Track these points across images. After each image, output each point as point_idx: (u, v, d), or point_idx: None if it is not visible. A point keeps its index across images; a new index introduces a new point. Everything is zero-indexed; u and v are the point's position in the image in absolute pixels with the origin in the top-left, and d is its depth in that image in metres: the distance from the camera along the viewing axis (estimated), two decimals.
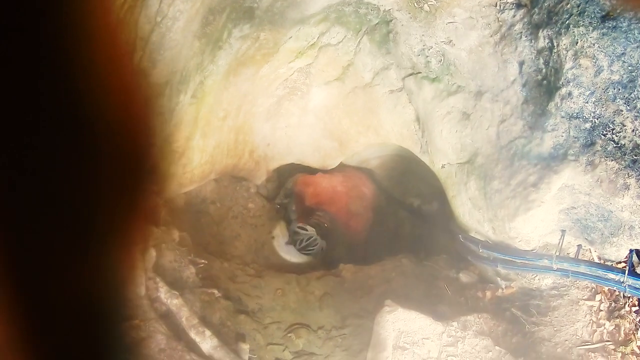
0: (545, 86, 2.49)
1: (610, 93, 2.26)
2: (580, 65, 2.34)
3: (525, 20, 2.54)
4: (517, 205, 2.45)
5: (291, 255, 3.68)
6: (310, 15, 3.00)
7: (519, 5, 2.59)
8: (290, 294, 2.96)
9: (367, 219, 3.74)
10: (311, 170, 3.85)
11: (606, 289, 2.45)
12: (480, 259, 2.83)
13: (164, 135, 2.62)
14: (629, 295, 2.34)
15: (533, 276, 2.69)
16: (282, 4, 2.81)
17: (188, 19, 2.09)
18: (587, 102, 2.31)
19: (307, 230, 3.73)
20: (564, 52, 2.39)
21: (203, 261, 2.71)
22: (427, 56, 2.95)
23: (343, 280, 3.16)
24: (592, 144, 2.29)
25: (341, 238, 3.84)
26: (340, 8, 3.04)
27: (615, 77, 2.25)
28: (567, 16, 2.42)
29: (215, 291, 2.51)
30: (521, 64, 2.58)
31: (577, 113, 2.34)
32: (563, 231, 2.49)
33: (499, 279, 2.80)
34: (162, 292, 2.15)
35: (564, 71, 2.38)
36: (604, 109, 2.27)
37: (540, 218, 2.43)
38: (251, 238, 3.58)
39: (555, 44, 2.43)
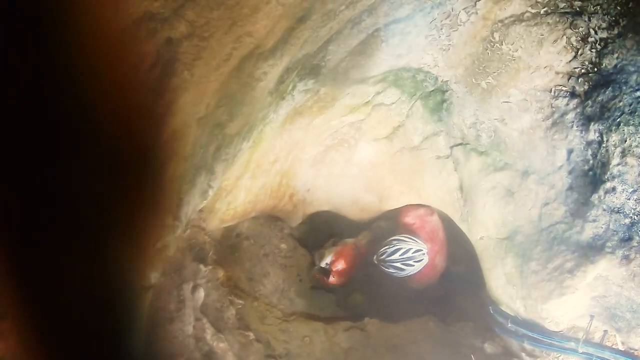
0: (590, 177, 2.77)
1: None
2: (626, 163, 2.63)
3: (578, 110, 2.85)
4: (551, 288, 2.71)
5: None
6: (371, 76, 3.36)
7: (572, 95, 2.91)
8: (317, 342, 3.21)
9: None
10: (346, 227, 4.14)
11: None
12: (507, 332, 3.06)
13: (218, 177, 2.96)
14: None
15: (557, 355, 2.91)
16: (347, 64, 3.18)
17: (269, 79, 2.44)
18: (629, 199, 2.58)
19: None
20: (613, 148, 2.69)
21: (241, 302, 2.99)
22: (479, 130, 3.27)
23: (368, 335, 3.40)
24: (630, 239, 2.55)
25: (367, 289, 4.08)
26: (399, 72, 3.40)
27: None
28: (618, 113, 2.72)
29: (251, 334, 2.78)
30: (570, 152, 2.88)
31: (618, 208, 2.61)
32: (592, 316, 2.72)
33: (523, 354, 3.02)
34: (209, 333, 2.44)
35: (611, 166, 2.67)
36: None
37: (572, 304, 2.68)
38: (279, 278, 3.85)
39: (605, 138, 2.73)
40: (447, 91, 3.37)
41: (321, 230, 4.29)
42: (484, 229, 3.25)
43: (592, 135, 2.77)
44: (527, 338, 2.87)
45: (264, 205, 3.74)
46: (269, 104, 2.83)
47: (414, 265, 3.70)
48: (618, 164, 2.65)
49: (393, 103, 3.59)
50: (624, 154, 2.64)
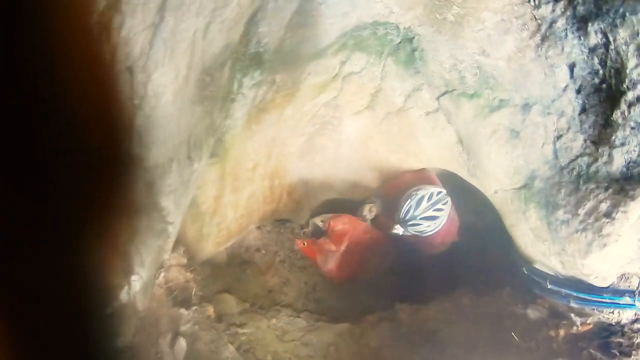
0: (605, 91, 2.00)
1: None
2: None
3: (568, 14, 2.06)
4: (589, 240, 1.98)
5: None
6: (325, 46, 2.69)
7: None
8: (343, 349, 2.65)
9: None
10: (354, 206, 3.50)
11: None
12: (549, 293, 2.36)
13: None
14: None
15: (612, 310, 2.19)
16: (291, 41, 2.53)
17: (177, 89, 1.86)
18: None
19: None
20: (624, 47, 1.90)
21: (245, 331, 2.48)
22: (461, 71, 2.53)
23: (400, 324, 2.80)
24: None
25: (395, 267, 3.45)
26: (357, 33, 2.70)
27: None
28: (619, 2, 1.92)
29: None
30: (571, 66, 2.10)
31: None
32: None
33: (572, 314, 2.31)
34: None
35: (628, 71, 1.89)
36: None
37: (617, 253, 1.95)
38: (301, 281, 3.31)
39: (610, 38, 1.94)
40: (414, 38, 2.64)
41: None
42: (496, 182, 2.54)
43: (594, 39, 1.99)
44: (573, 298, 2.18)
45: (262, 213, 3.19)
46: (206, 113, 2.25)
47: (443, 209, 2.97)
48: (636, 66, 1.87)
49: (363, 69, 2.90)
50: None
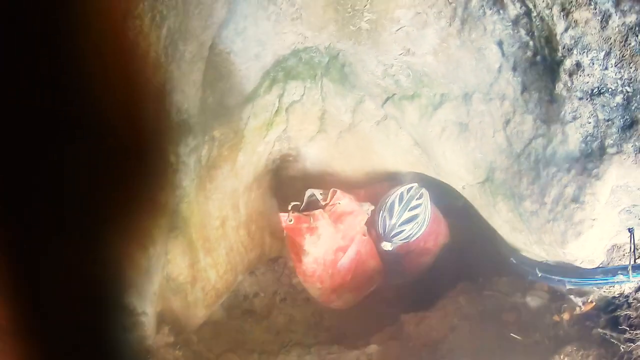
0: (541, 63, 1.64)
1: (633, 43, 1.39)
2: (575, 21, 1.48)
3: None
4: (562, 230, 1.63)
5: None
6: (253, 89, 2.38)
7: None
8: None
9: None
10: None
11: None
12: (542, 279, 2.01)
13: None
14: None
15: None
16: (214, 97, 2.23)
17: None
18: (606, 68, 1.45)
19: None
20: (546, 11, 1.55)
21: None
22: (393, 75, 2.19)
23: (407, 339, 2.48)
24: (635, 122, 1.43)
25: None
26: (283, 65, 2.38)
27: (632, 19, 1.37)
28: None
29: None
30: (499, 44, 1.75)
31: (598, 87, 1.48)
32: (631, 230, 1.62)
33: (571, 296, 1.95)
34: None
35: (558, 37, 1.54)
36: (633, 68, 1.40)
37: (597, 237, 1.60)
38: (307, 313, 3.03)
39: (530, 5, 1.58)
40: (338, 54, 2.31)
41: None
42: (459, 179, 2.20)
43: (513, 9, 1.64)
44: (567, 282, 1.83)
45: (247, 262, 2.91)
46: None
47: (420, 204, 2.53)
48: (566, 29, 1.51)
49: (302, 95, 2.58)
50: (565, 11, 1.49)
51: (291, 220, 2.59)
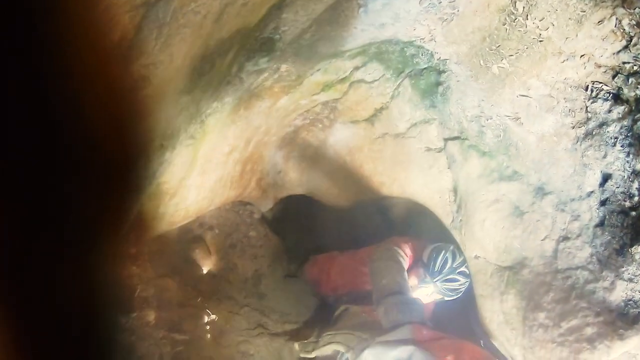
0: (633, 218, 1.73)
1: None
2: None
3: (625, 123, 1.73)
4: (563, 356, 1.79)
5: None
6: (346, 50, 2.18)
7: (617, 99, 1.76)
8: None
9: None
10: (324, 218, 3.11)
11: None
12: None
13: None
14: None
15: None
16: (312, 36, 2.00)
17: (161, 83, 1.34)
18: None
19: None
20: None
21: (183, 337, 2.12)
22: (483, 126, 2.15)
23: None
24: None
25: None
26: (383, 46, 2.21)
27: None
28: None
29: None
30: (606, 177, 1.80)
31: None
32: None
33: None
34: None
35: None
36: None
37: None
38: (248, 270, 2.97)
39: None
40: (444, 72, 2.19)
41: (296, 214, 3.31)
42: (480, 249, 2.27)
43: None
44: None
45: (225, 198, 2.74)
46: (191, 101, 1.73)
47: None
48: None
49: (375, 80, 2.43)
50: None
51: None
